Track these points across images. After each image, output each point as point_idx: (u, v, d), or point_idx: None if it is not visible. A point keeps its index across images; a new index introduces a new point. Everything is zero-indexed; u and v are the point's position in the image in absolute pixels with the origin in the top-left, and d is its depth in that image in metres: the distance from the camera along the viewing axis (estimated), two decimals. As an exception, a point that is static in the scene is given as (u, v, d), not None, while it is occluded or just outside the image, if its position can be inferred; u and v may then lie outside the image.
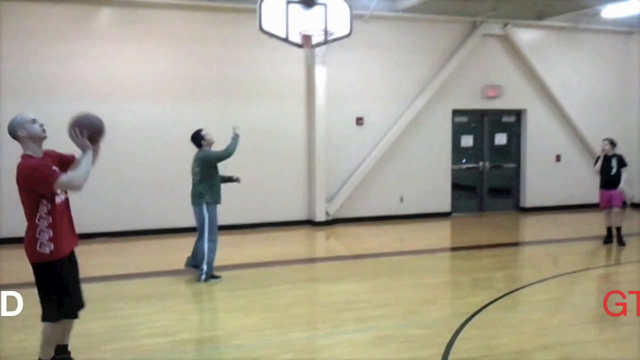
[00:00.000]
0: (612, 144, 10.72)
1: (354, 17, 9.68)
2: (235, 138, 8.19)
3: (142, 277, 8.61)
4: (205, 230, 8.09)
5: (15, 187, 4.46)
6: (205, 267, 8.10)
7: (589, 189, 14.80)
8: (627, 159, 10.88)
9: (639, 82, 15.26)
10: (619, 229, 10.68)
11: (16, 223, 5.66)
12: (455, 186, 14.10)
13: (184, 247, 9.00)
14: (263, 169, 12.26)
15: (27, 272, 4.72)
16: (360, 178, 13.02)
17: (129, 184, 11.54)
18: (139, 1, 11.38)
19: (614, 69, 15.40)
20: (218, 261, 8.31)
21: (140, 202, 11.64)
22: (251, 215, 12.33)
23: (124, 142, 11.35)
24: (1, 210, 10.37)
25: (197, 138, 8.29)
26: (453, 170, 14.05)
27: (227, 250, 9.48)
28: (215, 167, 8.22)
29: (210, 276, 8.13)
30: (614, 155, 10.66)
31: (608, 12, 13.22)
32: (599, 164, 10.74)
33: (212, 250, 8.15)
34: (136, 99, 11.54)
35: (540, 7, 13.99)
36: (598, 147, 14.57)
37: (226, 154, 8.13)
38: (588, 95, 15.05)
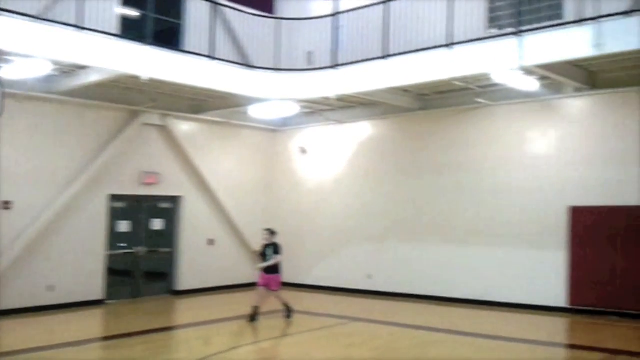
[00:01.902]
0: (272, 233, 12.19)
1: (7, 96, 9.25)
2: None
3: None
4: None
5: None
6: None
7: (240, 270, 16.14)
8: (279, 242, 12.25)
9: (282, 173, 17.35)
10: (286, 305, 12.05)
11: None
12: (111, 272, 13.93)
13: None
14: None
15: None
16: (4, 267, 12.03)
17: None
18: None
19: (262, 161, 17.27)
20: None
21: None
22: None
23: None
24: None
25: None
26: (109, 256, 13.91)
27: None
28: None
29: None
30: (272, 243, 12.02)
31: (253, 112, 14.88)
32: (260, 251, 12.18)
33: None
34: None
35: (197, 102, 15.17)
36: (248, 232, 16.10)
37: None
38: (239, 184, 16.54)
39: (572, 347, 10.76)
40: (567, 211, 12.57)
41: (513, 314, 12.67)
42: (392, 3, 12.47)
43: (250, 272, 16.27)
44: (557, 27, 10.60)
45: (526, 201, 13.15)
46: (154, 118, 14.53)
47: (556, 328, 11.95)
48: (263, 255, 12.07)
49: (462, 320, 12.23)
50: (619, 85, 12.06)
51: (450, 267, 14.15)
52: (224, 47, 13.69)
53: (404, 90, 14.04)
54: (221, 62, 12.78)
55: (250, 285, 15.86)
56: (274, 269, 12.01)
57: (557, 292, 12.62)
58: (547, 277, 12.75)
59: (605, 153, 12.29)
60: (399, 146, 15.32)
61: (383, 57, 12.34)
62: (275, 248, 12.04)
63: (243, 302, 13.25)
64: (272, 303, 12.05)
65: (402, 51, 12.17)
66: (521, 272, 13.12)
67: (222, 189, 15.97)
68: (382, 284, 15.17)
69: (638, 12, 9.77)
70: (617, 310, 11.95)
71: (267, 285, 11.97)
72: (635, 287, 11.71)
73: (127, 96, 13.72)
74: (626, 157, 11.98)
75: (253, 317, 11.74)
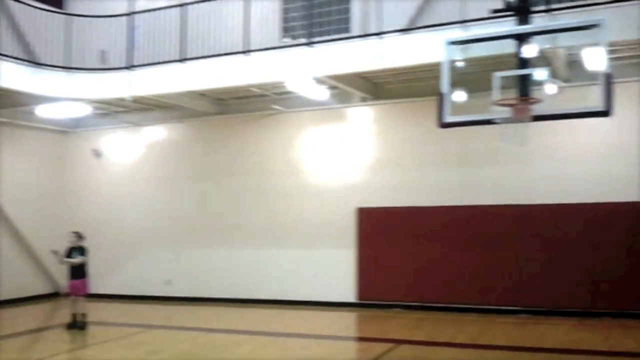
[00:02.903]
0: (79, 237, 11.59)
1: None
2: None
3: None
4: None
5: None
6: None
7: (27, 281, 15.08)
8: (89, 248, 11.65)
9: (75, 177, 16.43)
10: (84, 315, 11.40)
11: None
12: None
13: None
14: None
15: None
16: None
17: None
18: None
19: (51, 164, 16.24)
20: None
21: None
22: None
23: None
24: None
25: None
26: None
27: None
28: None
29: None
30: (79, 247, 11.47)
31: (41, 111, 13.96)
32: (64, 253, 11.47)
33: None
34: None
35: (-26, 100, 13.83)
36: (36, 240, 15.09)
37: None
38: (25, 189, 15.34)
39: (362, 339, 11.55)
40: (355, 212, 13.48)
41: (310, 312, 13.26)
42: (189, 7, 12.48)
43: (38, 282, 15.30)
44: (345, 40, 11.39)
45: (319, 204, 13.86)
46: None
47: (347, 322, 12.74)
48: (68, 258, 11.49)
49: (262, 321, 12.56)
50: (400, 96, 13.23)
51: (249, 269, 14.43)
52: (5, 41, 12.67)
53: (202, 94, 14.09)
54: (2, 57, 11.83)
55: (40, 297, 14.98)
56: (80, 274, 11.47)
57: (347, 289, 13.46)
58: (339, 275, 13.55)
59: (388, 158, 13.37)
60: (197, 150, 15.30)
61: (180, 60, 12.30)
62: (82, 251, 11.53)
63: (30, 316, 12.41)
64: (64, 315, 11.45)
65: (200, 55, 12.22)
66: (316, 271, 13.80)
67: (3, 194, 14.71)
68: (182, 289, 15.03)
69: (414, 30, 10.87)
70: (400, 303, 13.06)
71: (76, 291, 11.45)
72: (414, 280, 12.89)
73: None
74: (407, 162, 13.16)
75: (73, 325, 11.29)
